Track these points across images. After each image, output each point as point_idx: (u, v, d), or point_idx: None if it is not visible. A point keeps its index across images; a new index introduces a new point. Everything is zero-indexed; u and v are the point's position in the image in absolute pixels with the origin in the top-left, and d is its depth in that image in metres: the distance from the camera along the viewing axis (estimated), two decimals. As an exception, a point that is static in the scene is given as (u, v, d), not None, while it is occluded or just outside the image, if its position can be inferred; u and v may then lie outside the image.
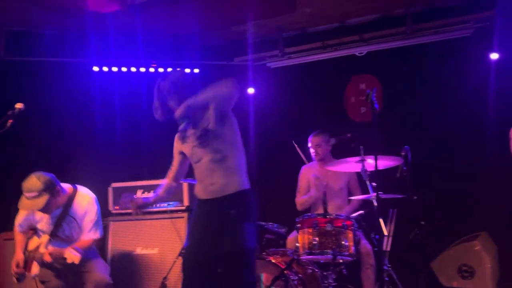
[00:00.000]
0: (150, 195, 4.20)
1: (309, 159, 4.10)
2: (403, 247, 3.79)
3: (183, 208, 4.16)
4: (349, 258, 3.24)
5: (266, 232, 3.69)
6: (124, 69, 4.73)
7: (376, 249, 3.46)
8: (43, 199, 3.15)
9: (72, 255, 3.15)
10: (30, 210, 3.25)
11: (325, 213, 3.24)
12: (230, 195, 2.63)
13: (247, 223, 2.61)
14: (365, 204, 3.85)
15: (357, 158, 3.43)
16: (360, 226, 3.49)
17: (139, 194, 4.24)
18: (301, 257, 3.28)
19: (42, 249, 3.28)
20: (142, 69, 4.76)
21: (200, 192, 2.73)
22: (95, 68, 4.66)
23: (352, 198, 3.80)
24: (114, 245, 4.16)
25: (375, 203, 3.08)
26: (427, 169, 4.07)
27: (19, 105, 2.97)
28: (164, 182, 2.91)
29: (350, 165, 3.53)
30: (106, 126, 4.75)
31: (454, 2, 4.22)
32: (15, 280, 3.41)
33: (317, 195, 3.81)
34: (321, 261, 3.39)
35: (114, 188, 4.28)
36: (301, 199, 3.99)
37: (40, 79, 4.54)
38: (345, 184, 3.95)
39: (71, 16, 4.24)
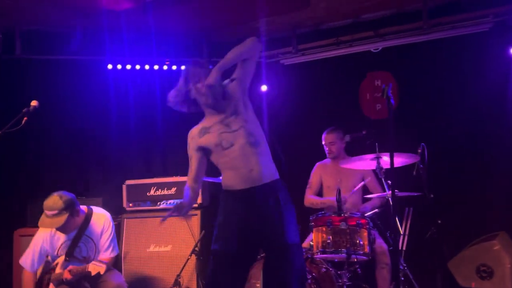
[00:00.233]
0: (165, 192, 4.24)
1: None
2: (419, 247, 3.74)
3: (196, 205, 4.15)
4: (364, 257, 3.20)
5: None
6: (137, 66, 4.75)
7: (391, 248, 3.41)
8: (62, 218, 3.21)
9: (96, 267, 3.19)
10: (49, 228, 3.30)
11: (339, 211, 3.20)
12: (269, 183, 2.48)
13: (290, 213, 2.50)
14: (382, 202, 3.80)
15: (372, 156, 3.39)
16: (375, 224, 3.45)
17: (152, 191, 4.26)
18: (315, 256, 3.25)
19: (58, 270, 3.32)
20: (156, 67, 4.77)
21: (236, 181, 2.49)
22: (109, 66, 4.68)
23: (369, 196, 3.75)
24: (127, 243, 4.18)
25: (391, 201, 3.03)
26: (444, 166, 3.99)
27: (34, 103, 3.01)
28: (186, 186, 2.69)
29: (365, 163, 3.48)
30: (120, 124, 4.77)
31: (471, -4, 4.13)
32: None
33: (331, 204, 3.74)
34: (336, 260, 3.35)
35: (128, 186, 4.30)
36: (312, 199, 3.94)
37: (55, 77, 4.58)
38: (360, 181, 3.89)
39: (86, 14, 4.26)
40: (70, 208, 3.24)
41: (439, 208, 3.56)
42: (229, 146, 2.50)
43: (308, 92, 4.81)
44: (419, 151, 3.42)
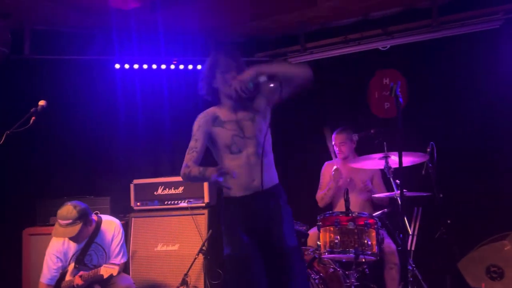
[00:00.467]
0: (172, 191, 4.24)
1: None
2: (428, 247, 3.70)
3: (203, 205, 4.15)
4: (372, 258, 3.17)
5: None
6: (145, 66, 4.75)
7: (400, 248, 3.38)
8: (76, 228, 3.26)
9: (108, 269, 3.24)
10: (62, 237, 3.35)
11: (347, 211, 3.17)
12: (268, 189, 2.47)
13: (289, 216, 2.50)
14: (390, 202, 3.77)
15: (381, 155, 3.36)
16: (383, 224, 3.42)
17: (160, 190, 4.26)
18: (322, 256, 3.23)
19: (68, 277, 3.36)
20: (163, 66, 4.77)
21: (237, 188, 2.45)
22: (117, 66, 4.69)
23: (376, 196, 3.72)
24: (135, 242, 4.19)
25: (399, 201, 3.00)
26: (454, 166, 3.94)
27: (42, 103, 3.02)
28: (185, 166, 2.53)
29: (374, 162, 3.46)
30: (127, 123, 4.79)
31: (482, -7, 4.07)
32: None
33: (336, 186, 3.73)
34: (343, 260, 3.33)
35: (136, 185, 4.31)
36: (320, 194, 3.93)
37: (63, 77, 4.61)
38: (369, 181, 3.86)
39: (93, 14, 4.27)
40: (83, 217, 3.30)
41: (449, 208, 3.52)
42: (237, 152, 2.46)
43: (316, 91, 4.77)
44: (428, 150, 3.39)
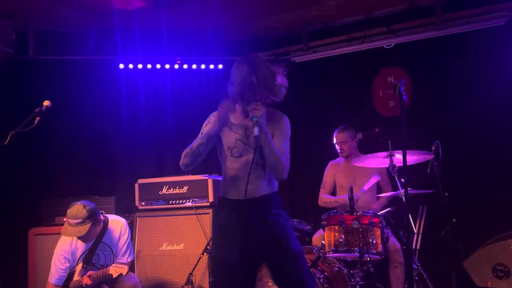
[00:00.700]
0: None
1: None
2: (434, 246, 3.68)
3: (208, 204, 4.15)
4: (377, 257, 3.16)
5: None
6: (149, 66, 4.76)
7: (404, 247, 3.37)
8: (86, 227, 3.29)
9: (118, 268, 3.26)
10: (72, 236, 3.38)
11: (352, 210, 3.17)
12: (265, 196, 2.43)
13: (289, 222, 2.48)
14: (394, 200, 3.76)
15: (385, 153, 3.35)
16: (388, 223, 3.41)
17: (164, 190, 4.27)
18: (327, 255, 3.22)
19: (76, 277, 3.38)
20: (167, 66, 4.78)
21: (233, 191, 2.44)
22: (121, 66, 4.70)
23: (381, 195, 3.71)
24: (140, 241, 4.20)
25: (404, 200, 2.99)
26: (459, 164, 3.92)
27: (46, 103, 3.02)
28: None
29: (378, 161, 3.45)
30: (132, 123, 4.80)
31: (486, -10, 4.05)
32: None
33: (344, 203, 3.71)
34: (348, 259, 3.32)
35: (140, 185, 4.31)
36: (326, 198, 3.91)
37: (67, 78, 4.63)
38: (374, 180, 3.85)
39: (97, 14, 4.29)
40: (92, 217, 3.33)
41: (454, 206, 3.50)
42: (237, 156, 2.44)
43: (320, 90, 4.77)
44: (433, 148, 3.37)
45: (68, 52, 4.50)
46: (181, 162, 2.48)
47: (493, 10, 3.97)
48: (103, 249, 3.45)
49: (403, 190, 3.19)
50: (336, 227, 3.16)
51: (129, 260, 3.52)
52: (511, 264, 3.65)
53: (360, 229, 3.11)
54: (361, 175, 3.83)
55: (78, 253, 3.44)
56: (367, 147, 3.87)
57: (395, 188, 3.60)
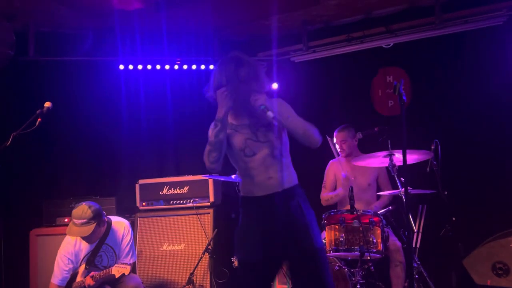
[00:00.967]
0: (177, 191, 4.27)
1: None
2: (433, 244, 3.70)
3: (209, 204, 4.17)
4: (377, 255, 3.18)
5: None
6: (149, 66, 4.77)
7: (405, 245, 3.38)
8: (91, 227, 3.31)
9: (120, 269, 3.29)
10: (76, 236, 3.40)
11: (352, 209, 3.18)
12: (288, 189, 2.42)
13: (313, 218, 2.44)
14: (395, 199, 3.77)
15: (385, 153, 3.36)
16: (388, 222, 3.42)
17: (165, 190, 4.28)
18: (327, 254, 3.24)
19: (79, 278, 3.40)
20: (167, 66, 4.79)
21: (255, 188, 2.42)
22: (121, 67, 4.71)
23: (381, 193, 3.72)
24: (141, 242, 4.21)
25: (404, 199, 3.00)
26: (458, 163, 3.94)
27: (47, 104, 3.03)
28: None
29: (378, 160, 3.46)
30: (132, 124, 4.81)
31: (485, -11, 4.06)
32: None
33: (344, 194, 3.74)
34: (349, 258, 3.34)
35: (141, 185, 4.33)
36: (326, 195, 3.93)
37: (68, 79, 4.63)
38: (374, 179, 3.87)
39: (97, 15, 4.29)
40: (97, 217, 3.36)
41: (454, 205, 3.51)
42: (251, 155, 2.43)
43: (320, 89, 4.78)
44: (433, 147, 3.39)
45: (69, 53, 4.50)
46: (207, 162, 2.40)
47: (492, 10, 3.98)
48: (106, 250, 3.47)
49: (403, 189, 3.20)
50: (337, 226, 3.18)
51: (131, 261, 3.54)
52: (511, 262, 3.67)
53: (361, 228, 3.12)
54: (362, 174, 3.85)
55: (82, 254, 3.45)
56: (366, 147, 3.88)
57: (394, 187, 3.62)
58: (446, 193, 3.43)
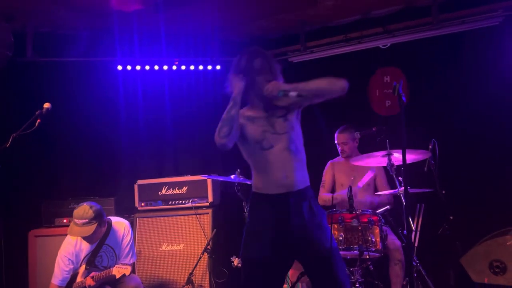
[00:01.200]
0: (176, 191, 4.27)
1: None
2: (431, 243, 3.72)
3: (207, 204, 4.18)
4: (376, 254, 3.20)
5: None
6: (147, 67, 4.77)
7: (404, 244, 3.41)
8: (92, 227, 3.32)
9: (121, 269, 3.29)
10: (77, 236, 3.40)
11: (351, 208, 3.20)
12: (302, 189, 2.40)
13: (325, 219, 2.45)
14: (393, 199, 3.79)
15: (383, 152, 3.38)
16: (387, 221, 3.44)
17: (164, 190, 4.29)
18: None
19: (79, 279, 3.41)
20: (165, 67, 4.80)
21: (270, 185, 2.38)
22: (119, 67, 4.71)
23: (379, 193, 3.74)
24: (140, 242, 4.22)
25: (403, 198, 3.02)
26: (456, 162, 3.97)
27: (46, 105, 3.04)
28: None
29: (376, 160, 3.48)
30: (130, 124, 4.82)
31: (481, -10, 4.09)
32: None
33: (343, 199, 3.74)
34: (348, 257, 3.35)
35: (140, 185, 4.34)
36: (324, 196, 3.94)
37: (66, 79, 4.63)
38: (374, 179, 3.88)
39: (95, 16, 4.29)
40: (99, 218, 3.36)
41: (451, 204, 3.54)
42: (268, 148, 2.39)
43: (317, 90, 4.78)
44: (430, 147, 3.41)
45: (67, 54, 4.51)
46: (217, 137, 2.35)
47: (488, 10, 4.01)
48: (106, 251, 3.47)
49: (401, 188, 3.22)
50: (336, 226, 3.20)
51: (131, 261, 3.55)
52: (508, 260, 3.70)
53: (359, 227, 3.15)
54: (361, 174, 3.86)
55: (82, 255, 3.45)
56: (364, 147, 3.90)
57: (392, 187, 3.64)
58: (443, 192, 3.45)
